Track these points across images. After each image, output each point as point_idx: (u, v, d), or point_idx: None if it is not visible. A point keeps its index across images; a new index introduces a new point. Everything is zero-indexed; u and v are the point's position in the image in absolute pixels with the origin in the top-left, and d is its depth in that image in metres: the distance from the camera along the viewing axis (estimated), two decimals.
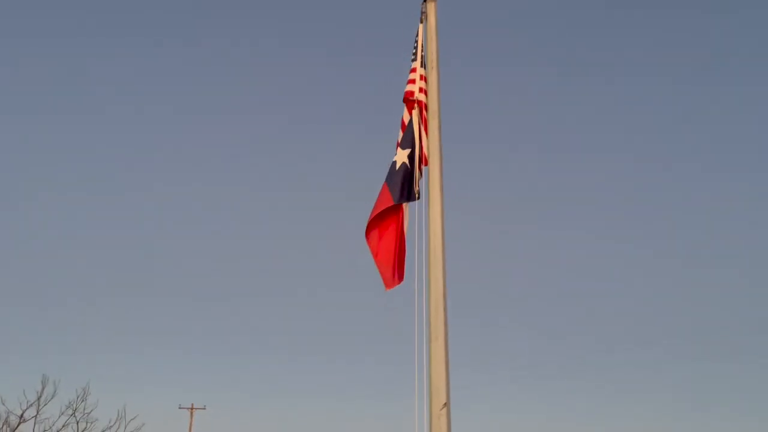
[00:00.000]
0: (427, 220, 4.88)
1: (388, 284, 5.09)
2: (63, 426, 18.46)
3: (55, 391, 18.21)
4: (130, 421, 19.18)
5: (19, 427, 18.34)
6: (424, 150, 5.14)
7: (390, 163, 5.24)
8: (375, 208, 5.00)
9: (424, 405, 4.46)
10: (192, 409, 53.21)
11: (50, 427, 18.47)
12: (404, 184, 5.01)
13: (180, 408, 53.78)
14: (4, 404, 24.28)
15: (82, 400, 18.51)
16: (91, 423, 18.72)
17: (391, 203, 4.98)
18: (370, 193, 5.16)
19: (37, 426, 18.37)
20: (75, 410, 18.41)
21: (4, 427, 18.47)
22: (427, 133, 5.12)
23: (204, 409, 54.99)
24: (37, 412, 18.24)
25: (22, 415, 18.23)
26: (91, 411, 18.73)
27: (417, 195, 5.04)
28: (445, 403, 4.37)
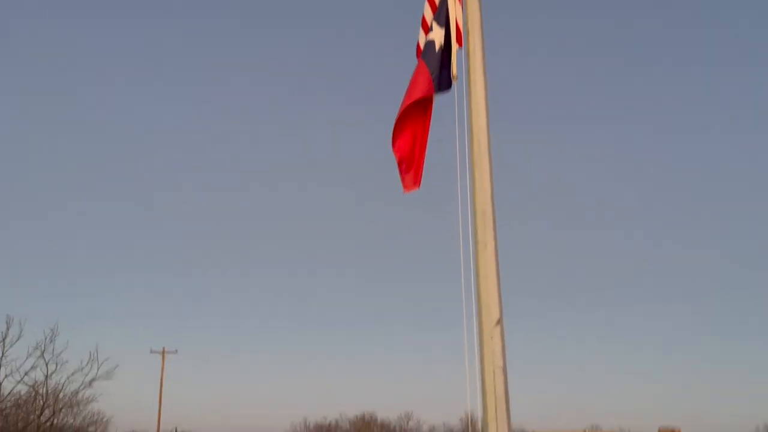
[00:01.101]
0: (467, 109, 4.10)
1: (408, 186, 4.38)
2: (31, 368, 17.62)
3: (21, 333, 17.32)
4: (102, 363, 18.42)
5: None
6: (460, 26, 4.30)
7: (417, 43, 4.41)
8: (411, 93, 4.17)
9: (473, 324, 3.80)
10: (163, 352, 52.99)
11: (17, 369, 17.61)
12: (442, 70, 4.19)
13: (152, 352, 53.67)
14: None
15: (51, 341, 17.63)
16: (62, 364, 17.93)
17: (430, 91, 4.16)
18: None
19: (2, 368, 17.50)
20: (44, 351, 17.57)
21: None
22: (462, 5, 4.26)
23: (175, 352, 54.89)
24: (2, 354, 17.35)
25: None
26: (61, 352, 17.91)
27: (454, 79, 4.24)
28: (499, 320, 3.72)
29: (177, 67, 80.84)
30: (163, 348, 53.21)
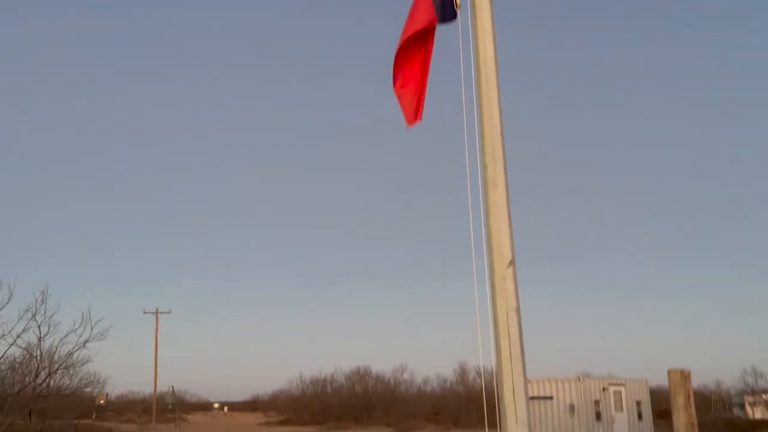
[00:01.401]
0: (473, 35, 3.84)
1: (410, 120, 4.17)
2: (23, 330, 17.45)
3: (10, 296, 17.06)
4: (95, 324, 18.28)
5: None
6: None
7: None
8: (411, 24, 3.91)
9: (484, 267, 3.63)
10: (157, 313, 53.24)
11: (9, 332, 17.44)
12: None
13: (145, 313, 53.91)
14: None
15: (42, 303, 17.42)
16: (54, 326, 17.77)
17: (432, 21, 3.90)
18: None
19: None
20: (35, 314, 17.37)
21: None
22: None
23: (169, 313, 55.20)
24: None
25: None
26: (53, 314, 17.71)
27: (457, 7, 3.97)
28: (511, 261, 3.56)
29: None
30: (156, 309, 53.49)
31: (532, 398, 20.34)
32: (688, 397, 4.94)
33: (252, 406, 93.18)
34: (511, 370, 3.47)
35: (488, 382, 54.66)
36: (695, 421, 4.96)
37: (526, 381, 3.55)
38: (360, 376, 58.44)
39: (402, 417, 47.73)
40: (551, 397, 19.91)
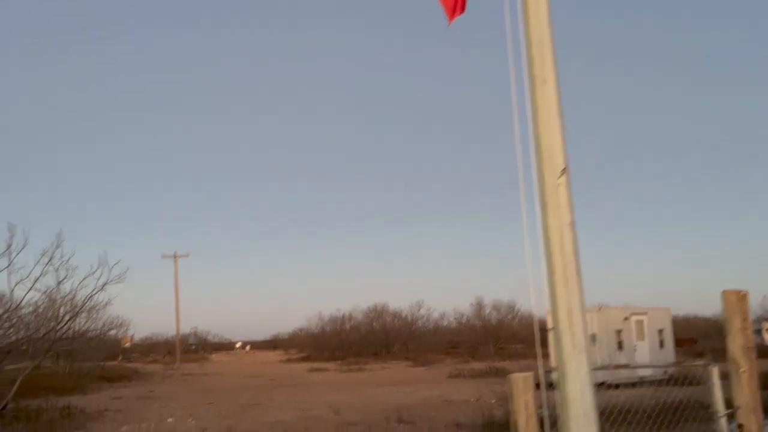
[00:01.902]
0: None
1: (451, 14, 3.66)
2: (41, 275, 17.41)
3: (26, 240, 16.93)
4: (113, 267, 18.21)
5: None
6: None
7: None
8: None
9: (532, 177, 3.18)
10: (175, 257, 53.73)
11: (27, 276, 17.42)
12: None
13: (163, 257, 54.43)
14: None
15: (57, 247, 17.31)
16: (72, 270, 17.72)
17: None
18: None
19: (11, 276, 17.29)
20: (51, 258, 17.29)
21: None
22: None
23: (187, 256, 55.73)
24: (10, 262, 17.08)
25: None
26: (69, 259, 17.63)
27: None
28: (564, 168, 3.10)
29: None
30: (175, 252, 54.00)
31: (552, 329, 20.23)
32: (745, 319, 4.51)
33: (273, 344, 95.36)
34: (567, 292, 3.07)
35: (503, 315, 55.09)
36: (752, 345, 4.57)
37: (583, 304, 3.15)
38: (377, 313, 59.14)
39: (420, 351, 48.45)
40: None
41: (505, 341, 50.45)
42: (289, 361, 54.39)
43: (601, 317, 19.47)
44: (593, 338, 19.36)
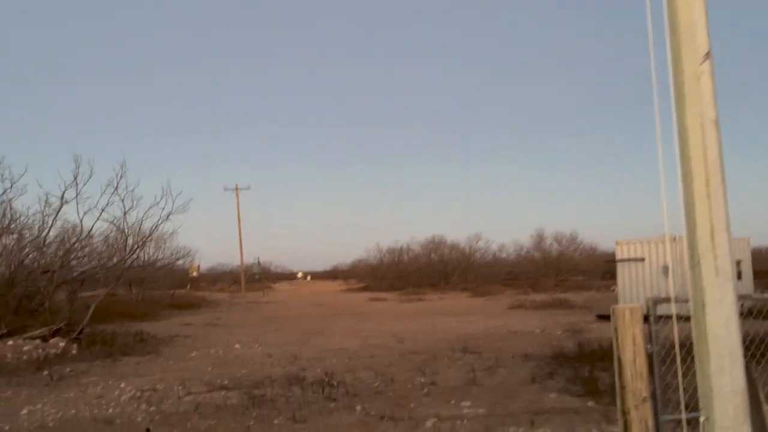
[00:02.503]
0: None
1: None
2: (107, 204, 17.75)
3: (91, 171, 17.25)
4: (176, 197, 18.40)
5: (61, 209, 17.76)
6: None
7: None
8: None
9: (667, 61, 2.56)
10: (237, 189, 54.71)
11: (94, 206, 17.81)
12: None
13: (225, 189, 55.53)
14: (41, 186, 23.94)
15: (122, 177, 17.54)
16: (137, 201, 18.02)
17: None
18: None
19: (79, 206, 17.72)
20: (116, 188, 17.56)
21: (46, 209, 17.89)
22: None
23: (248, 189, 56.68)
24: (78, 192, 17.47)
25: (62, 196, 17.53)
26: (134, 189, 17.88)
27: None
28: (707, 53, 2.47)
29: None
30: (236, 184, 54.99)
31: (621, 260, 19.45)
32: None
33: (332, 275, 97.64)
34: (709, 206, 2.49)
35: (565, 247, 54.01)
36: None
37: (728, 221, 2.56)
38: (435, 245, 59.13)
39: (478, 283, 48.34)
40: (643, 259, 18.96)
41: (566, 273, 49.69)
42: (348, 290, 55.41)
43: (675, 247, 18.51)
44: (665, 270, 18.50)
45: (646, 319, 3.70)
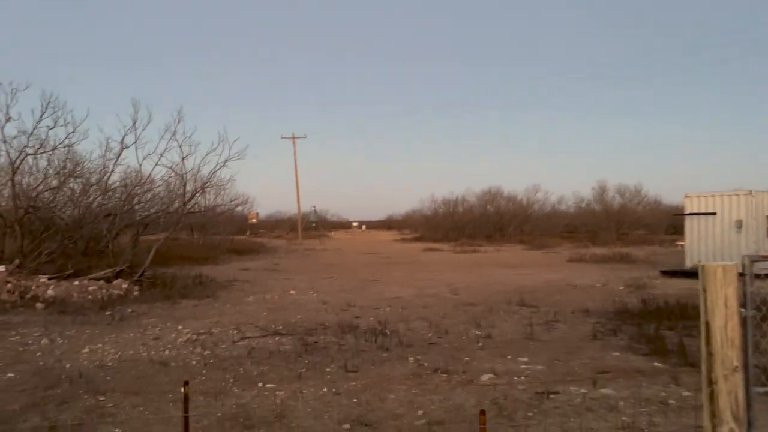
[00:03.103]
0: None
1: None
2: (165, 150, 17.94)
3: (149, 116, 17.40)
4: (233, 143, 18.45)
5: (122, 154, 18.08)
6: None
7: None
8: None
9: None
10: (294, 137, 54.91)
11: (153, 151, 18.06)
12: None
13: (282, 138, 55.86)
14: (102, 131, 24.36)
15: (179, 123, 17.63)
16: (194, 147, 18.20)
17: None
18: None
19: (139, 151, 18.02)
20: (174, 133, 17.69)
21: (107, 154, 18.25)
22: None
23: (305, 137, 56.80)
24: (137, 138, 17.70)
25: (122, 141, 17.81)
26: (191, 135, 17.99)
27: None
28: None
29: None
30: (293, 133, 55.17)
31: (692, 214, 18.43)
32: None
33: (387, 224, 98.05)
34: None
35: (627, 200, 52.19)
36: None
37: None
38: (492, 196, 58.15)
39: (536, 235, 47.41)
40: (714, 213, 17.90)
41: (627, 227, 48.10)
42: (403, 240, 55.48)
43: (750, 201, 17.38)
44: (739, 224, 17.44)
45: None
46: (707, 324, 3.14)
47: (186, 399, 2.98)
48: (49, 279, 14.35)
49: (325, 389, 6.03)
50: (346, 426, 4.92)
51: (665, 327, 9.07)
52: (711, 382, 3.05)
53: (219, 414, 5.24)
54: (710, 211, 18.03)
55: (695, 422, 4.70)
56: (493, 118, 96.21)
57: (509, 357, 7.39)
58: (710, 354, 3.07)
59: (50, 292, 13.15)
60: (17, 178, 16.93)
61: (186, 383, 2.90)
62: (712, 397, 3.07)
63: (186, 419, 3.05)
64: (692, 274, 17.36)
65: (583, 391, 5.77)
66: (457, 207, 59.43)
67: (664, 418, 4.98)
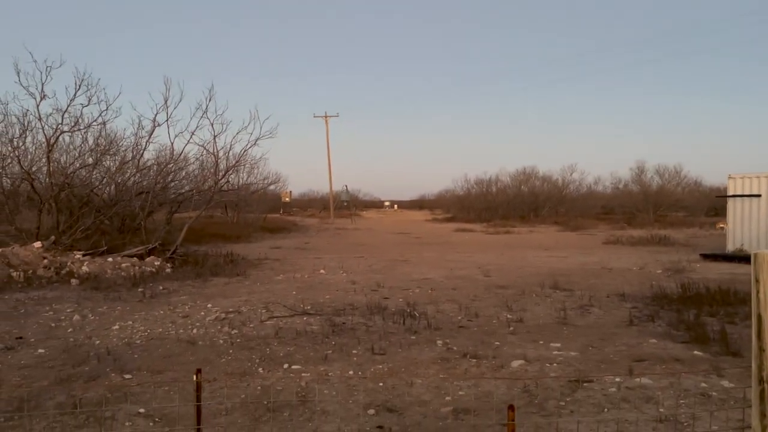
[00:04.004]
0: None
1: None
2: (197, 128, 17.99)
3: (182, 94, 17.42)
4: (264, 121, 18.40)
5: (154, 131, 18.18)
6: None
7: None
8: None
9: None
10: (326, 116, 54.85)
11: (185, 129, 18.11)
12: None
13: (314, 116, 55.86)
14: (135, 109, 24.59)
15: (210, 101, 17.62)
16: (226, 125, 18.17)
17: None
18: None
19: (170, 129, 18.08)
20: (206, 111, 17.71)
21: (139, 131, 18.38)
22: None
23: (337, 116, 56.71)
24: (168, 115, 17.78)
25: (154, 119, 17.90)
26: (223, 113, 17.99)
27: None
28: None
29: None
30: (325, 112, 55.11)
31: (735, 196, 17.75)
32: None
33: (419, 204, 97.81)
34: None
35: (667, 181, 50.86)
36: None
37: None
38: (526, 176, 57.31)
39: (571, 216, 46.62)
40: (759, 195, 17.20)
41: (666, 208, 46.93)
42: (434, 220, 55.17)
43: None
44: None
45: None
46: (759, 317, 2.88)
47: (198, 387, 2.87)
48: (84, 255, 14.59)
49: (351, 372, 5.93)
50: (371, 411, 4.80)
51: (706, 313, 8.73)
52: (762, 380, 2.81)
53: (243, 396, 5.17)
54: (755, 192, 17.34)
55: (741, 418, 4.44)
56: (529, 95, 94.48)
57: (541, 342, 7.18)
58: (762, 349, 2.83)
59: (85, 268, 13.36)
60: (53, 155, 17.20)
61: (198, 371, 2.80)
62: (763, 396, 2.83)
63: (198, 408, 2.95)
64: (734, 258, 16.76)
65: (618, 380, 5.54)
66: (491, 187, 58.82)
67: (706, 412, 4.73)
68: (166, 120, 17.89)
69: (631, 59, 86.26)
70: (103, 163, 19.37)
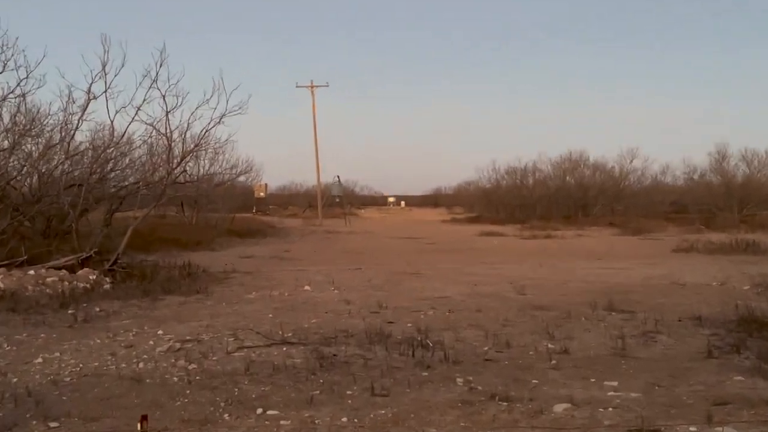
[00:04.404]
0: None
1: None
2: (144, 101, 17.94)
3: (124, 57, 17.33)
4: (231, 93, 18.32)
5: (89, 106, 18.14)
6: None
7: None
8: None
9: None
10: (312, 86, 54.92)
11: (128, 103, 18.09)
12: None
13: (297, 86, 55.94)
14: (64, 77, 24.76)
15: (161, 66, 17.59)
16: (182, 98, 18.07)
17: None
18: None
19: (110, 102, 18.01)
20: (155, 80, 17.68)
21: (69, 106, 18.32)
22: None
23: (326, 86, 56.82)
24: (107, 86, 17.74)
25: (89, 90, 17.88)
26: (177, 82, 17.91)
27: None
28: None
29: None
30: (311, 81, 55.15)
31: None
32: None
33: (433, 200, 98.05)
34: None
35: (756, 170, 50.96)
36: None
37: None
38: (572, 164, 57.35)
39: (631, 215, 46.71)
40: None
41: (755, 206, 46.95)
42: (453, 221, 55.33)
43: None
44: None
45: None
46: None
47: None
48: None
49: (344, 419, 5.94)
50: None
51: None
52: None
53: None
54: None
55: None
56: (574, 60, 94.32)
57: (593, 380, 7.18)
58: None
59: None
60: None
61: (144, 418, 2.78)
62: None
63: None
64: None
65: (693, 429, 5.54)
66: (526, 178, 58.93)
67: None
68: (105, 91, 17.85)
69: (705, 14, 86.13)
70: (23, 147, 19.39)
